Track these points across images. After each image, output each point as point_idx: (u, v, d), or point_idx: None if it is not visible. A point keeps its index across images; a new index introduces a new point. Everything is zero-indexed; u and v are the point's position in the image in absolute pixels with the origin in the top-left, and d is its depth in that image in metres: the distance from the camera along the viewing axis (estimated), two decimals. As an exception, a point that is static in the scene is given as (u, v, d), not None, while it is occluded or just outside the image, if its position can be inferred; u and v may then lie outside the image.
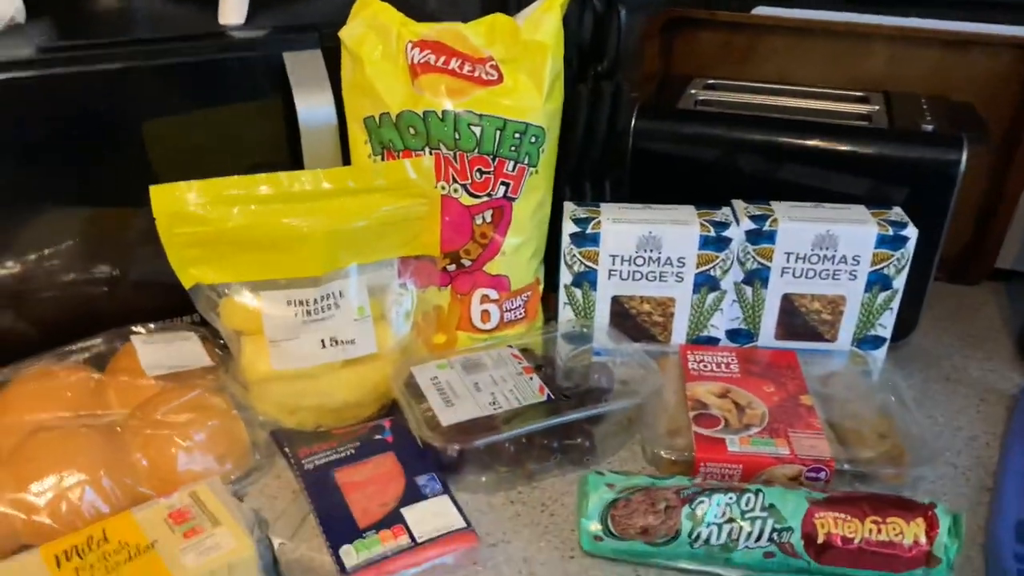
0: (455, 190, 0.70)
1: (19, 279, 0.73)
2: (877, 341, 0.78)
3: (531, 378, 0.69)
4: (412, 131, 0.69)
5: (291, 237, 0.67)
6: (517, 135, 0.68)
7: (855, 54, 0.92)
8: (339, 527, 0.60)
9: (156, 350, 0.73)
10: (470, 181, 0.70)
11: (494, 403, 0.66)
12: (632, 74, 0.96)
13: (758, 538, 0.57)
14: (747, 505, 0.58)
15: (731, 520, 0.57)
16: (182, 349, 0.74)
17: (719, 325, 0.78)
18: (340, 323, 0.70)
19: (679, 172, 0.83)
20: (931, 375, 0.82)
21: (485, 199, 0.70)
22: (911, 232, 0.73)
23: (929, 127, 0.78)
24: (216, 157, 0.78)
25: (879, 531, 0.56)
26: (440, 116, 0.68)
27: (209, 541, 0.58)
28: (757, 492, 0.59)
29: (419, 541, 0.59)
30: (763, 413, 0.69)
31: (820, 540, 0.57)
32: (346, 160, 0.75)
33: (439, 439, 0.63)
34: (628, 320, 0.78)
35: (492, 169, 0.69)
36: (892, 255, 0.74)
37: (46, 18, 0.79)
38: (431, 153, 0.70)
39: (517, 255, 0.73)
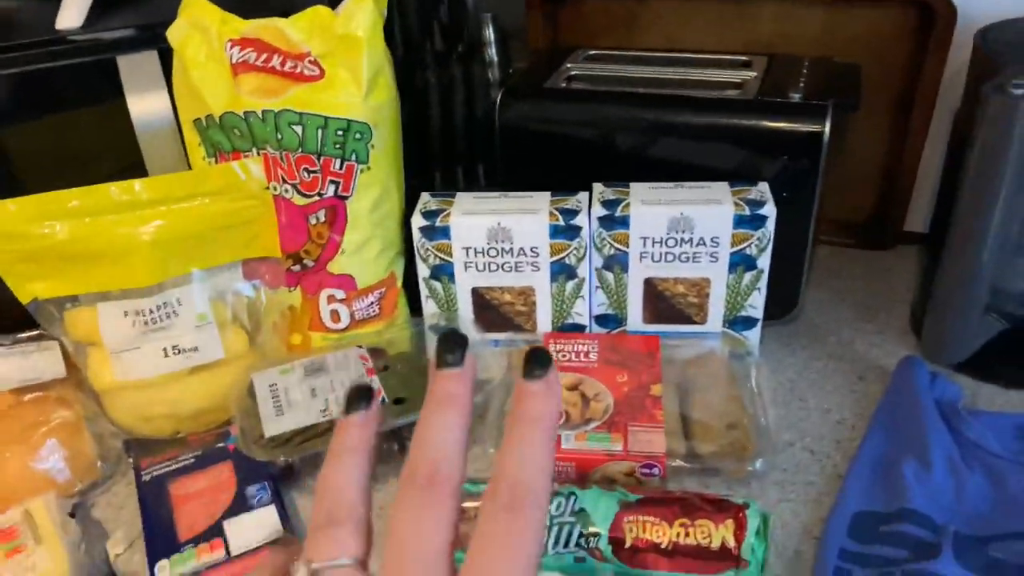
0: (286, 190, 0.69)
1: None
2: (749, 322, 0.76)
3: (372, 381, 0.68)
4: (237, 132, 0.67)
5: (120, 248, 0.66)
6: (339, 132, 0.66)
7: (743, 16, 0.88)
8: (160, 541, 0.61)
9: (13, 362, 0.74)
10: (299, 181, 0.68)
11: (325, 410, 0.66)
12: (519, 48, 0.94)
13: (566, 543, 0.56)
14: (557, 510, 0.57)
15: (540, 526, 0.56)
16: (39, 361, 0.74)
17: (583, 312, 0.76)
18: (181, 331, 0.69)
19: (547, 153, 0.80)
20: (815, 352, 0.80)
21: (316, 198, 0.69)
22: (769, 211, 0.70)
23: (797, 96, 0.74)
24: (69, 164, 0.78)
25: (687, 534, 0.55)
26: (260, 116, 0.66)
27: (27, 561, 0.59)
28: (569, 496, 0.57)
29: (233, 555, 0.59)
30: (607, 406, 0.67)
31: (628, 544, 0.55)
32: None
33: (259, 452, 0.63)
34: (491, 311, 0.77)
35: (319, 168, 0.68)
36: (752, 235, 0.71)
37: None
38: (259, 153, 0.68)
39: (360, 254, 0.72)
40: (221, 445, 0.68)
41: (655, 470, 0.63)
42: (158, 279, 0.67)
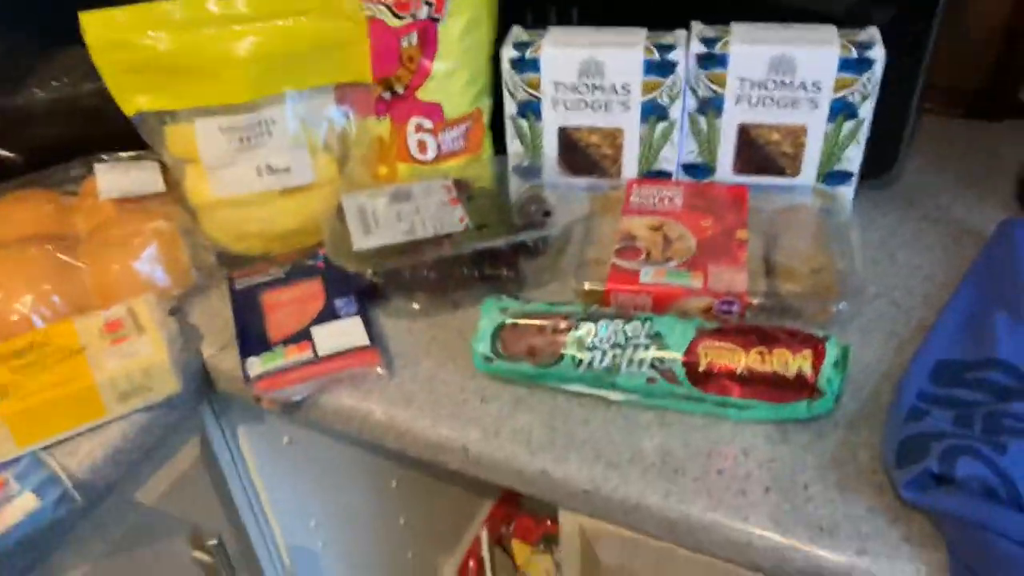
0: (380, 11, 0.68)
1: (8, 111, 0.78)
2: (844, 177, 0.73)
3: (455, 208, 0.69)
4: (335, -51, 0.67)
5: (219, 61, 0.68)
6: (435, -51, 0.65)
7: None
8: (252, 341, 0.64)
9: (115, 176, 0.77)
10: (393, 0, 0.68)
11: (410, 231, 0.67)
12: None
13: (640, 364, 0.57)
14: (633, 332, 0.57)
15: (616, 346, 0.57)
16: (140, 176, 0.77)
17: (671, 158, 0.75)
18: (274, 150, 0.71)
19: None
20: (909, 214, 0.77)
21: (409, 20, 0.68)
22: (877, 54, 0.66)
23: (919, -67, 0.69)
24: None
25: (763, 361, 0.55)
26: (358, -70, 0.65)
27: (130, 348, 0.63)
28: (645, 320, 0.58)
29: (320, 356, 0.62)
30: (690, 247, 0.67)
31: (702, 368, 0.56)
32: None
33: (348, 263, 0.64)
34: (577, 153, 0.76)
35: (413, -13, 0.67)
36: (856, 80, 0.68)
37: None
38: (355, -27, 0.67)
39: (449, 82, 0.71)
40: (311, 263, 0.71)
41: (734, 307, 0.62)
42: (252, 96, 0.69)
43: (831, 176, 0.73)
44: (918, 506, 0.49)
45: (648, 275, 0.64)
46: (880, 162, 0.76)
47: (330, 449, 0.87)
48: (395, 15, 0.68)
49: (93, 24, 0.66)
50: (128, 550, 0.67)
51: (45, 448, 0.60)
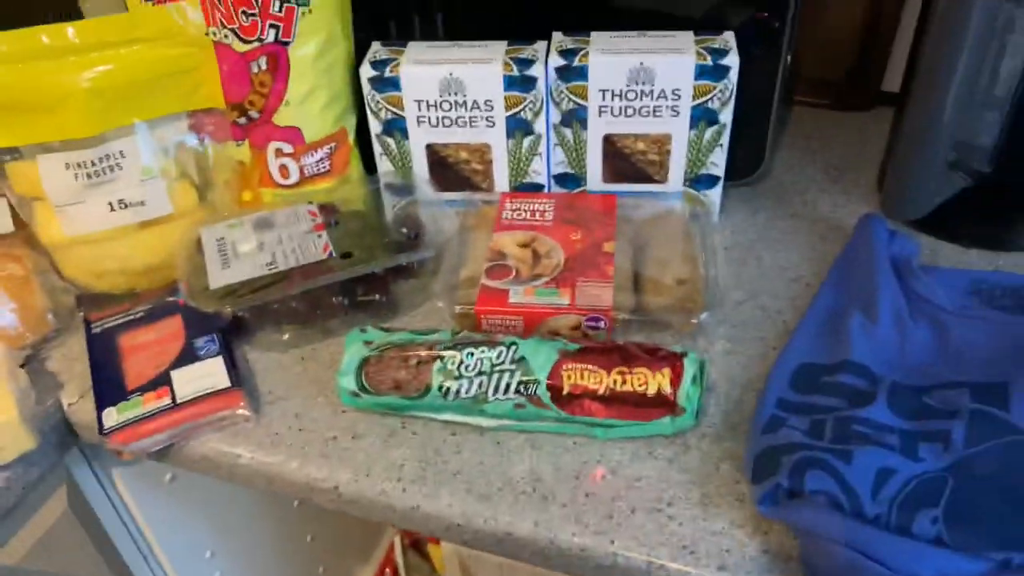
0: (225, 36, 0.66)
1: None
2: (711, 180, 0.74)
3: (319, 236, 0.67)
4: (172, -27, 0.64)
5: (56, 96, 0.64)
6: (278, -29, 0.63)
7: None
8: (109, 390, 0.61)
9: (-40, 218, 0.73)
10: (238, 25, 0.65)
11: (271, 263, 0.65)
12: None
13: (506, 390, 0.56)
14: (498, 359, 0.57)
15: (481, 373, 0.57)
16: (-13, 216, 0.73)
17: (541, 171, 0.75)
18: (126, 184, 0.68)
19: (509, 1, 0.76)
20: (777, 213, 0.78)
21: (257, 44, 0.66)
22: (732, 60, 0.67)
23: (767, -62, 0.70)
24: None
25: (624, 382, 0.55)
26: (194, -45, 0.63)
27: (-23, 406, 0.59)
28: (510, 345, 0.57)
29: (179, 402, 0.60)
30: (558, 263, 0.66)
31: (566, 391, 0.56)
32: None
33: (204, 303, 0.62)
34: (448, 169, 0.75)
35: (258, 10, 0.64)
36: (714, 87, 0.68)
37: None
38: (196, -3, 0.65)
39: (306, 105, 0.69)
40: (172, 299, 0.68)
41: (600, 323, 0.63)
42: (97, 130, 0.65)
43: (698, 180, 0.74)
44: (773, 519, 0.51)
45: (517, 295, 0.64)
46: (746, 162, 0.78)
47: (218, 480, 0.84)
48: (241, 39, 0.66)
49: (-87, 61, 0.62)
50: (-4, 613, 0.64)
51: None
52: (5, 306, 0.67)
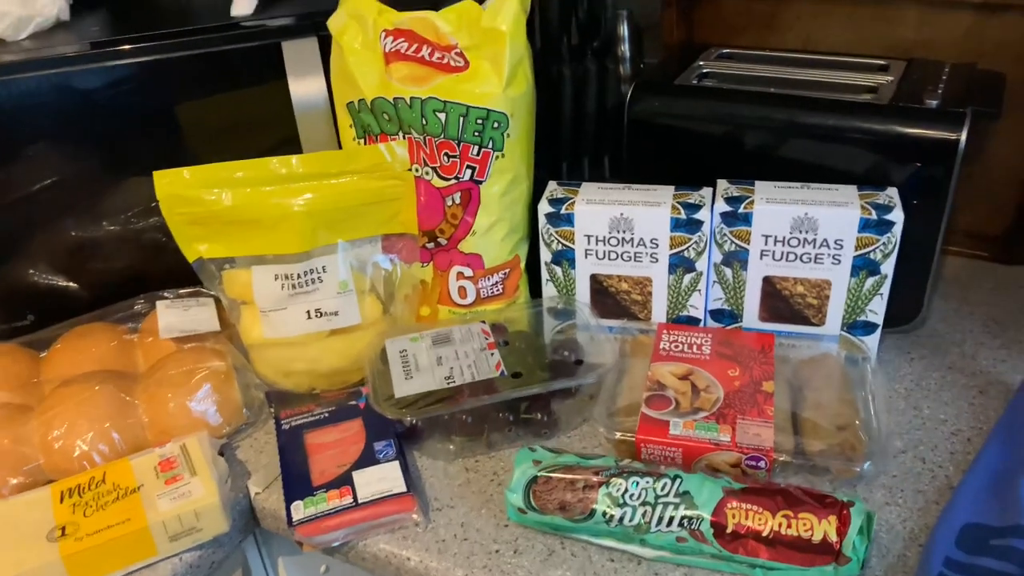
0: (426, 172, 0.74)
1: (77, 245, 0.84)
2: (868, 327, 0.76)
3: (492, 354, 0.73)
4: (386, 116, 0.73)
5: (276, 216, 0.73)
6: (479, 121, 0.71)
7: (883, 19, 0.87)
8: (297, 484, 0.67)
9: (175, 315, 0.82)
10: (439, 164, 0.73)
11: (449, 377, 0.70)
12: (653, 45, 0.96)
13: (669, 523, 0.59)
14: (663, 490, 0.59)
15: (645, 504, 0.59)
16: (198, 315, 0.82)
17: (699, 305, 0.78)
18: (324, 296, 0.75)
19: (674, 149, 0.82)
20: (934, 363, 0.79)
21: (453, 182, 0.74)
22: (897, 216, 0.70)
23: (933, 102, 0.73)
24: (234, 138, 0.86)
25: (789, 525, 0.56)
26: (408, 103, 0.71)
27: (183, 489, 0.66)
28: (675, 478, 0.60)
29: (360, 502, 0.65)
30: (717, 398, 0.69)
31: (730, 529, 0.57)
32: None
33: (389, 410, 0.68)
34: (608, 298, 0.80)
35: (458, 153, 0.72)
36: (878, 239, 0.71)
37: (88, 15, 0.88)
38: (404, 137, 0.73)
39: (489, 235, 0.76)
40: (353, 403, 0.74)
41: (761, 463, 0.64)
42: (307, 247, 0.74)
43: (855, 326, 0.76)
44: None
45: (678, 427, 0.67)
46: (905, 310, 0.79)
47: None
48: (441, 177, 0.74)
49: (163, 181, 0.72)
50: None
51: (97, 587, 0.63)
52: (209, 398, 0.74)
